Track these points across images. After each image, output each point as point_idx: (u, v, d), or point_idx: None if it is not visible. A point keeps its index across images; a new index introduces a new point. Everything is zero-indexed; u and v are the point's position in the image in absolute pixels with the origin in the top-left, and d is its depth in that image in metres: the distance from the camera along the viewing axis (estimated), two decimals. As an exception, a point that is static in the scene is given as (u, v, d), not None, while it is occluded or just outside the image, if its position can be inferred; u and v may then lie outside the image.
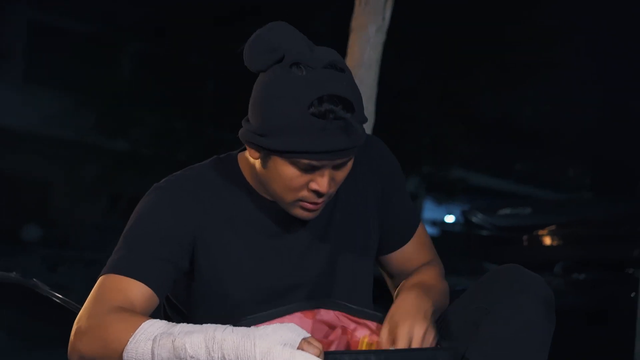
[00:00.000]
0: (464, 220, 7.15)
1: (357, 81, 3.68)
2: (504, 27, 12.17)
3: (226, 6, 11.73)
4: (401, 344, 1.80)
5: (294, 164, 1.82)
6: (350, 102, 1.80)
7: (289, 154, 1.80)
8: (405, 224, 2.10)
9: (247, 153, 1.97)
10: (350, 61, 3.73)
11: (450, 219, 19.23)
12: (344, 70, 1.84)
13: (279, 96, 1.80)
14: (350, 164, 1.88)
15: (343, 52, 3.81)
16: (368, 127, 3.72)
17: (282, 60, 1.82)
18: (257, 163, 1.90)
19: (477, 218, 6.61)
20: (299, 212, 1.89)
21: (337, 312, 1.91)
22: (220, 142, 12.50)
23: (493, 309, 1.87)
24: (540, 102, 14.24)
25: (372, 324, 1.92)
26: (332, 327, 1.91)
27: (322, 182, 1.83)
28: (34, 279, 2.90)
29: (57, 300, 2.89)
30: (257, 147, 1.85)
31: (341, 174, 1.88)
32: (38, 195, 15.39)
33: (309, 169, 1.82)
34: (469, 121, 13.43)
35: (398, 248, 2.09)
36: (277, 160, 1.83)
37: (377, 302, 2.12)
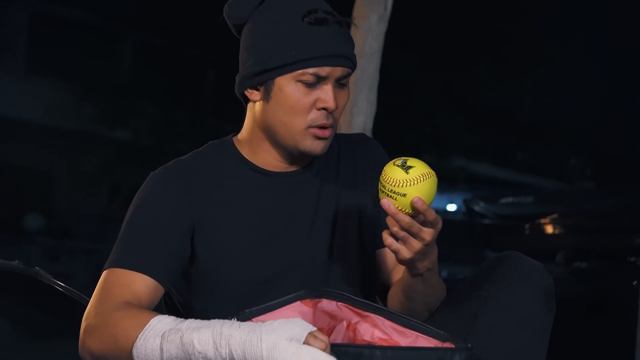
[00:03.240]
0: (466, 209, 7.14)
1: (359, 70, 3.69)
2: (505, 19, 12.17)
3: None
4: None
5: (299, 79, 1.83)
6: (339, 18, 1.87)
7: (295, 65, 1.83)
8: None
9: (241, 134, 1.98)
10: (352, 50, 3.72)
11: (452, 207, 19.25)
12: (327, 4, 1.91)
13: (272, 20, 1.84)
14: (348, 90, 1.90)
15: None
16: (370, 116, 3.73)
17: (263, 1, 1.88)
18: (259, 107, 1.91)
19: (479, 207, 6.60)
20: (309, 144, 1.88)
21: (339, 303, 1.90)
22: (221, 132, 12.47)
23: (492, 298, 1.85)
24: (541, 92, 14.25)
25: (376, 317, 1.90)
26: (333, 317, 1.90)
27: (327, 95, 1.84)
28: (36, 268, 2.90)
29: (59, 289, 2.89)
30: (258, 82, 1.87)
31: (343, 98, 1.89)
32: (40, 185, 15.39)
33: (313, 83, 1.84)
34: (470, 111, 13.44)
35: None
36: (281, 82, 1.85)
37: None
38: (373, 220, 2.05)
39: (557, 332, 1.94)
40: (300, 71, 1.83)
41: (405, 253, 1.76)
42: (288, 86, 1.84)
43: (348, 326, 1.88)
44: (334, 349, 1.64)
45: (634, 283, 4.09)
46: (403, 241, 1.76)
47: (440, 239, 2.15)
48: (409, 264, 1.81)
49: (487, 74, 12.68)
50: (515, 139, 19.33)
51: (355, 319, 1.88)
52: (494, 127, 16.38)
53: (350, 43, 1.88)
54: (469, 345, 1.73)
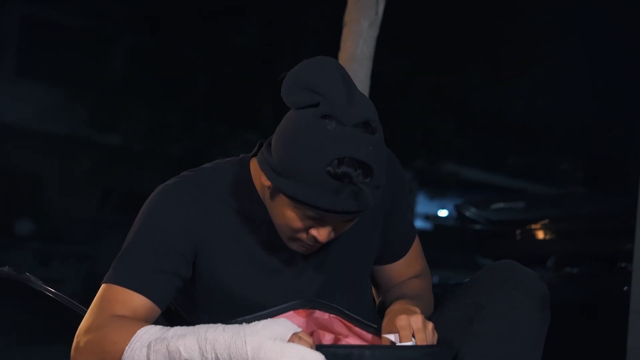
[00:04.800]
0: (457, 215, 7.15)
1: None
2: (497, 22, 12.18)
3: (220, 0, 11.70)
4: (403, 332, 1.80)
5: (299, 209, 1.80)
6: (370, 168, 1.75)
7: (299, 202, 1.78)
8: (402, 241, 2.10)
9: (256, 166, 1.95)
10: (343, 55, 3.73)
11: (443, 213, 19.26)
12: (375, 131, 1.78)
13: (302, 144, 1.75)
14: (355, 220, 1.86)
15: (336, 46, 3.81)
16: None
17: (316, 106, 1.77)
18: (267, 190, 1.88)
19: (470, 212, 6.61)
20: (294, 246, 1.89)
21: (332, 316, 1.91)
22: (213, 136, 12.49)
23: (488, 305, 1.88)
24: (533, 96, 14.26)
25: (367, 335, 1.91)
26: (324, 329, 1.91)
27: (322, 233, 1.83)
28: (27, 273, 2.90)
29: (50, 295, 2.88)
30: (270, 180, 1.82)
31: (346, 227, 1.87)
32: (31, 189, 15.35)
33: (312, 218, 1.81)
34: (461, 115, 13.45)
35: (391, 262, 2.10)
36: (285, 200, 1.81)
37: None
38: (378, 242, 2.06)
39: (548, 337, 1.94)
40: (303, 207, 1.79)
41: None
42: (289, 207, 1.82)
43: (337, 340, 1.89)
44: (322, 350, 1.65)
45: (625, 288, 4.10)
46: None
47: (432, 245, 2.17)
48: None
49: (479, 77, 12.69)
50: (507, 142, 19.35)
51: (345, 332, 1.89)
52: (485, 131, 16.39)
53: (364, 198, 1.77)
54: (450, 342, 1.76)
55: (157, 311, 1.84)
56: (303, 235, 1.85)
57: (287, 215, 1.82)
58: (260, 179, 1.91)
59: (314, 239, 1.84)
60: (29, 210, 14.59)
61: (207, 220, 1.91)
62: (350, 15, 3.79)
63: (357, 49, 3.75)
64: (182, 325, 1.89)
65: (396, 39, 10.11)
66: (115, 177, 14.09)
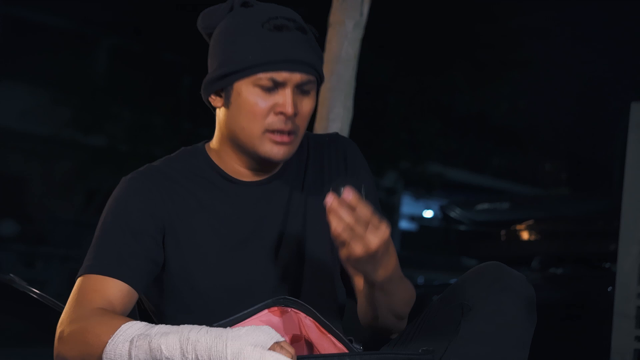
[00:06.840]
0: (442, 215, 7.16)
1: (334, 76, 3.69)
2: (481, 24, 12.22)
3: (203, 1, 11.70)
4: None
5: (256, 83, 1.85)
6: (300, 24, 1.89)
7: (251, 70, 1.84)
8: None
9: (212, 142, 2.00)
10: (328, 56, 3.72)
11: (428, 214, 19.31)
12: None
13: (234, 27, 1.87)
14: (313, 95, 1.91)
15: (320, 47, 3.80)
16: (346, 123, 3.73)
17: (232, 9, 1.91)
18: (222, 113, 1.93)
19: (454, 213, 6.61)
20: (268, 149, 1.90)
21: (306, 316, 1.90)
22: (196, 137, 12.47)
23: (474, 306, 1.87)
24: (517, 98, 14.31)
25: (338, 343, 1.91)
26: (298, 330, 1.90)
27: (285, 100, 1.86)
28: (11, 275, 2.89)
29: (35, 296, 2.88)
30: (219, 87, 1.90)
31: (305, 105, 1.90)
32: (14, 191, 15.31)
33: (271, 88, 1.86)
34: (446, 116, 13.48)
35: None
36: (240, 87, 1.87)
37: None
38: None
39: (533, 337, 1.94)
40: (256, 76, 1.85)
41: (349, 259, 1.73)
42: (246, 90, 1.86)
43: (309, 342, 1.88)
44: None
45: (609, 289, 4.11)
46: (344, 245, 1.71)
47: (417, 246, 2.15)
48: (360, 272, 1.79)
49: (464, 79, 12.71)
50: (491, 144, 19.40)
51: (315, 333, 1.88)
52: (469, 132, 16.43)
53: (313, 50, 1.89)
54: (432, 349, 1.78)
55: (134, 295, 1.86)
56: (271, 119, 1.87)
57: (247, 102, 1.87)
58: (215, 142, 1.99)
59: (283, 117, 1.86)
60: (13, 211, 14.55)
61: (170, 201, 1.94)
62: (335, 16, 3.79)
63: (342, 50, 3.75)
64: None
65: (381, 40, 10.12)
66: (99, 178, 14.06)
